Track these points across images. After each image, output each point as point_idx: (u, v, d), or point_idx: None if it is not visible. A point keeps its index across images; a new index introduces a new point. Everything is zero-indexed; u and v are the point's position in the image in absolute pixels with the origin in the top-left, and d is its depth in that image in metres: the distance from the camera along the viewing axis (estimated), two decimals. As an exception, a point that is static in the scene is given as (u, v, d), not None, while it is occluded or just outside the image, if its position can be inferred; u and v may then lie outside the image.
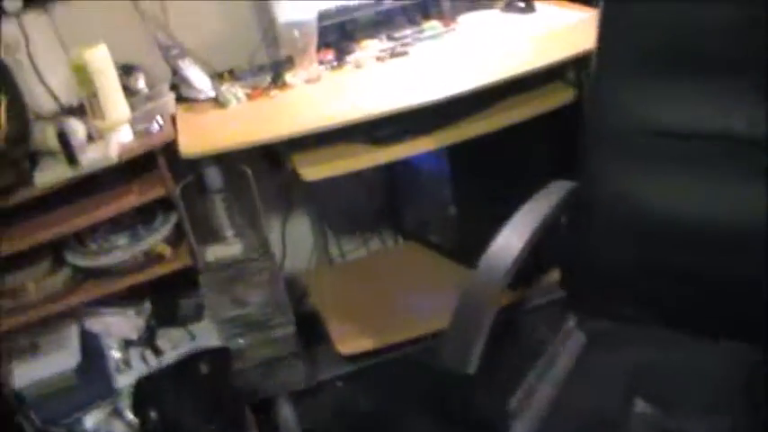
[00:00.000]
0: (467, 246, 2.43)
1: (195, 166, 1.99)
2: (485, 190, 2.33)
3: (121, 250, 2.06)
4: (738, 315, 1.46)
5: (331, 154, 1.92)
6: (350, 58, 2.20)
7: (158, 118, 1.99)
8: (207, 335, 2.28)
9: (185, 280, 2.16)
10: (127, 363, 2.25)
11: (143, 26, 2.24)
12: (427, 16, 2.42)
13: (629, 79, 1.51)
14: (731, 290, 1.46)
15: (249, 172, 1.97)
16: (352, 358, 2.38)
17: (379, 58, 2.17)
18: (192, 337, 2.31)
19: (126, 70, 2.15)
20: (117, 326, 2.26)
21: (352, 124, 1.83)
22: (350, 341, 2.33)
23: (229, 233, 2.05)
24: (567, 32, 2.09)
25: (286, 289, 2.20)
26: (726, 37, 1.39)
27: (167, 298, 2.34)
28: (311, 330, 2.45)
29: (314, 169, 1.90)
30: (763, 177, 1.37)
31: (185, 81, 2.15)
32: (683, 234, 1.49)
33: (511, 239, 1.42)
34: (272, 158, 2.20)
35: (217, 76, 2.26)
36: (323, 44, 2.26)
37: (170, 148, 1.94)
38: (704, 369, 1.47)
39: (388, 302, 2.46)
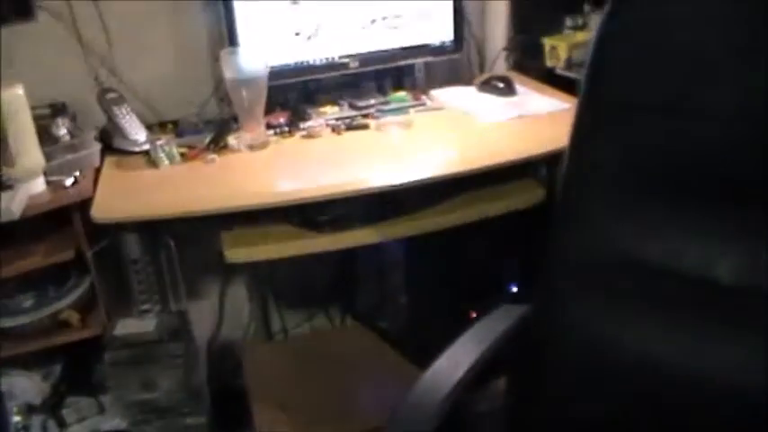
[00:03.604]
0: (415, 339, 2.24)
1: (113, 229, 1.76)
2: (438, 282, 2.12)
3: (25, 313, 1.85)
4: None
5: (264, 235, 1.72)
6: (304, 125, 1.98)
7: (76, 172, 1.77)
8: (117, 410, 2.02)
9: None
10: (27, 430, 2.02)
11: (86, 61, 2.07)
12: (399, 85, 2.22)
13: (601, 199, 1.29)
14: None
15: (172, 244, 1.75)
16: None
17: (334, 129, 1.97)
18: (101, 410, 2.08)
19: (55, 110, 1.94)
20: (20, 388, 2.04)
21: (290, 205, 1.62)
22: (275, 433, 2.09)
23: (146, 307, 1.82)
24: (545, 124, 1.90)
25: (217, 359, 1.96)
26: (722, 164, 1.17)
27: (81, 362, 2.11)
28: (238, 409, 2.21)
29: (242, 251, 1.69)
30: (751, 332, 1.15)
31: (119, 130, 1.93)
32: (655, 388, 1.25)
33: (446, 372, 1.21)
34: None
35: (158, 127, 2.06)
36: (279, 105, 2.07)
37: (88, 205, 1.72)
38: None
39: (325, 392, 2.22)
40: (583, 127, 1.32)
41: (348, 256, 2.44)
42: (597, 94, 1.31)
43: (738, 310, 1.18)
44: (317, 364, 2.36)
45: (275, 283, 2.51)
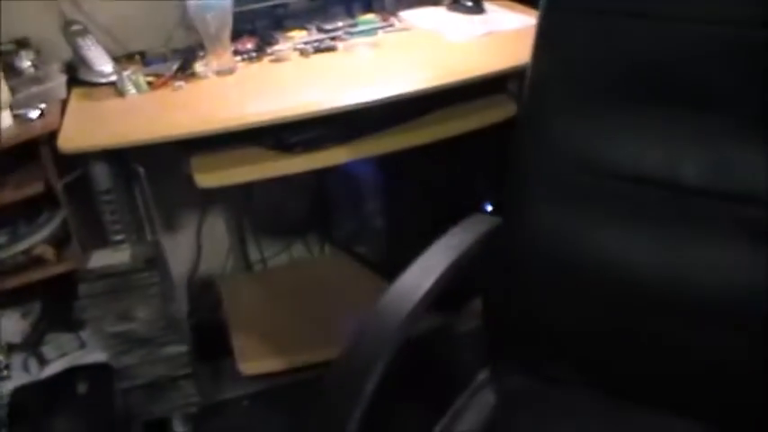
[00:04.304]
0: (394, 262, 2.23)
1: (83, 161, 1.74)
2: (414, 205, 2.12)
3: (-2, 249, 1.83)
4: (686, 388, 1.24)
5: (233, 158, 1.70)
6: (271, 50, 1.96)
7: (42, 104, 1.74)
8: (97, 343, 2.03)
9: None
10: (8, 368, 2.03)
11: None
12: (368, 9, 2.20)
13: (565, 106, 1.29)
14: (673, 356, 1.25)
15: (143, 172, 1.73)
16: (260, 377, 2.16)
17: (302, 52, 1.94)
18: (82, 345, 2.09)
19: (20, 45, 1.91)
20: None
21: (259, 127, 1.60)
22: (254, 360, 2.12)
23: (119, 238, 1.80)
24: (514, 40, 1.87)
25: (197, 294, 2.10)
26: (690, 69, 1.17)
27: (60, 299, 2.10)
28: (221, 342, 2.24)
29: (211, 175, 1.68)
30: (720, 236, 1.16)
31: (85, 62, 1.90)
32: (627, 291, 1.26)
33: (415, 281, 1.21)
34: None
35: (125, 58, 2.03)
36: (247, 31, 2.04)
37: (55, 138, 1.69)
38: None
39: (305, 320, 2.24)
40: (545, 35, 1.32)
41: (324, 183, 2.44)
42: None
43: (703, 212, 1.19)
44: (297, 293, 2.38)
45: (252, 214, 2.50)
